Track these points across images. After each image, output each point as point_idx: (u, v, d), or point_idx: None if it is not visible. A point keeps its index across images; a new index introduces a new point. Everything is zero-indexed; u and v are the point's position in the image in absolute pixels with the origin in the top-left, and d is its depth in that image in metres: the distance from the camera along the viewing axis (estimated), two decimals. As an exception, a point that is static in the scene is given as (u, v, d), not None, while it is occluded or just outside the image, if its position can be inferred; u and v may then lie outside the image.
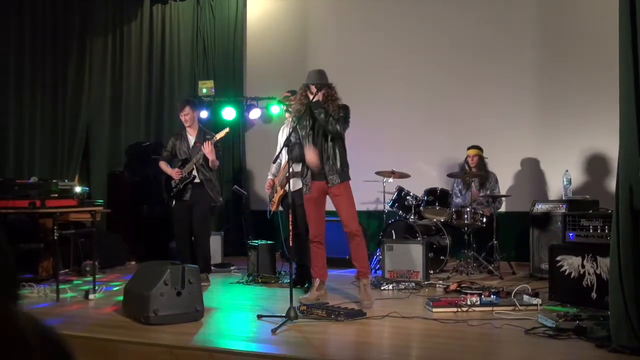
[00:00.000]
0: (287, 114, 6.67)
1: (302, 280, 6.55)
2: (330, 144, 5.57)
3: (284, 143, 5.16)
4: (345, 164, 5.63)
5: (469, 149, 8.18)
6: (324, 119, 5.46)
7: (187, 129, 7.12)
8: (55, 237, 5.98)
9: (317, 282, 5.78)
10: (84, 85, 8.91)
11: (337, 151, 5.57)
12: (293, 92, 6.65)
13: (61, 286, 6.08)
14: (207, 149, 6.77)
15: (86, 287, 6.20)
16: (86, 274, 7.26)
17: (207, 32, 10.42)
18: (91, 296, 5.92)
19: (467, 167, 8.10)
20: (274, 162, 6.48)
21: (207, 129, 7.24)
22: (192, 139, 7.09)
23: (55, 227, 5.99)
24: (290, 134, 5.35)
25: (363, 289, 5.56)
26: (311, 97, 5.51)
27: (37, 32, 8.45)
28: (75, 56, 8.85)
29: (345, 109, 5.61)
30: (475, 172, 7.95)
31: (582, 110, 8.39)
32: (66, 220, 6.97)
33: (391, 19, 9.59)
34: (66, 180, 6.99)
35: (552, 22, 8.79)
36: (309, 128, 5.64)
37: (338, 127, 5.47)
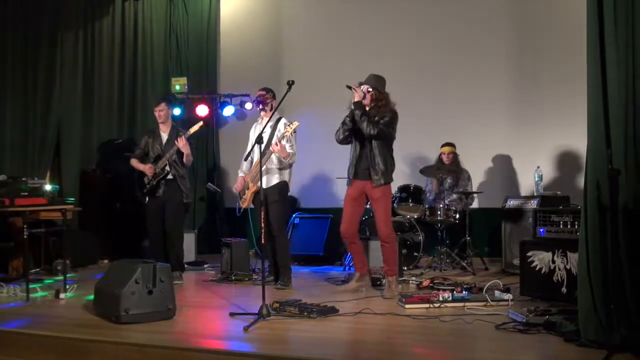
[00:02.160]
0: (262, 112, 6.63)
1: (275, 277, 6.54)
2: (374, 144, 5.79)
3: (255, 140, 5.15)
4: (388, 165, 5.84)
5: (443, 146, 8.22)
6: (358, 119, 5.71)
7: (160, 126, 7.07)
8: (25, 236, 5.90)
9: (356, 274, 6.09)
10: (55, 81, 8.81)
11: (380, 152, 5.78)
12: (268, 90, 6.63)
13: (31, 285, 6.02)
14: (181, 143, 6.73)
15: (57, 286, 6.12)
16: (57, 273, 7.16)
17: (180, 28, 10.33)
18: (62, 295, 5.85)
19: (441, 164, 8.12)
20: (245, 160, 6.47)
21: (179, 126, 7.19)
22: (165, 136, 7.04)
23: (25, 226, 5.91)
24: (261, 132, 5.35)
25: (388, 284, 5.86)
26: (356, 97, 5.77)
27: (6, 26, 8.33)
28: (46, 52, 8.75)
29: (391, 114, 5.82)
30: (448, 167, 7.99)
31: (553, 107, 8.48)
32: (36, 218, 6.86)
33: (363, 15, 9.60)
34: (36, 178, 6.91)
35: (524, 22, 8.85)
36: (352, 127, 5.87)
37: (370, 128, 5.66)
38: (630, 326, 3.67)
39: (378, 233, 5.94)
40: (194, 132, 6.85)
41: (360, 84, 5.88)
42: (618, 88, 3.83)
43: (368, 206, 6.24)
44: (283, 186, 6.51)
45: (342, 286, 6.18)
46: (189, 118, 9.60)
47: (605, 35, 3.88)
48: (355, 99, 5.78)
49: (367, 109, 5.83)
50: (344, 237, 6.03)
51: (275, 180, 6.45)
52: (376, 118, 5.73)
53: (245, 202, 6.60)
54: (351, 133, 5.90)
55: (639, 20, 3.83)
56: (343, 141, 5.98)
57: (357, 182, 5.91)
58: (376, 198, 5.82)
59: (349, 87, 5.81)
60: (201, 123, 6.93)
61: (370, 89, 5.84)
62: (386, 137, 5.83)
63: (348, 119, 5.86)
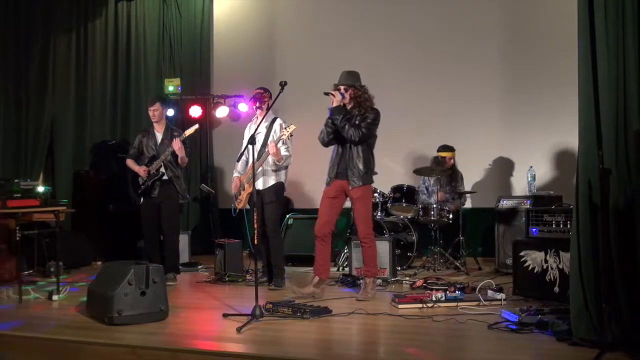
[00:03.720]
0: (258, 111, 6.61)
1: (269, 278, 6.55)
2: (355, 146, 5.66)
3: (248, 141, 5.14)
4: (368, 167, 5.70)
5: (444, 150, 8.20)
6: (339, 125, 5.59)
7: (155, 125, 7.05)
8: (18, 238, 5.88)
9: (315, 279, 5.80)
10: (48, 83, 8.77)
11: (360, 154, 5.65)
12: (265, 90, 6.63)
13: (25, 287, 6.01)
14: (177, 146, 6.72)
15: (50, 288, 6.11)
16: (51, 275, 7.15)
17: (174, 29, 10.32)
18: (55, 297, 5.85)
19: (436, 165, 8.10)
20: (237, 160, 6.44)
21: (174, 126, 7.18)
22: (159, 136, 7.03)
23: (18, 228, 5.90)
24: (254, 133, 5.34)
25: (364, 285, 5.74)
26: (334, 102, 5.64)
27: (-1, 29, 8.32)
28: (39, 54, 8.71)
29: (373, 114, 5.67)
30: (444, 169, 7.99)
31: (546, 107, 8.49)
32: (29, 220, 6.85)
33: (357, 16, 9.61)
34: (29, 180, 6.89)
35: (516, 23, 8.87)
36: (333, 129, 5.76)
37: (350, 134, 5.55)
38: (621, 325, 3.68)
39: (358, 232, 5.83)
40: (190, 135, 6.85)
41: (335, 85, 5.75)
42: (609, 88, 3.85)
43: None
44: (279, 187, 6.51)
45: (295, 288, 5.80)
46: (182, 119, 9.59)
47: (596, 34, 3.90)
48: (334, 104, 5.65)
49: (349, 107, 5.70)
50: (318, 235, 5.80)
51: (272, 181, 6.45)
52: (357, 120, 5.61)
53: (241, 203, 6.58)
54: (335, 135, 5.76)
55: (629, 19, 3.84)
56: (328, 144, 5.86)
57: (337, 181, 5.77)
58: (356, 198, 5.69)
59: (327, 94, 5.71)
60: (197, 126, 6.91)
61: (348, 87, 5.71)
62: (367, 140, 5.70)
63: (330, 121, 5.73)
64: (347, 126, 5.57)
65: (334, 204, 5.83)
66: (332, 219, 5.84)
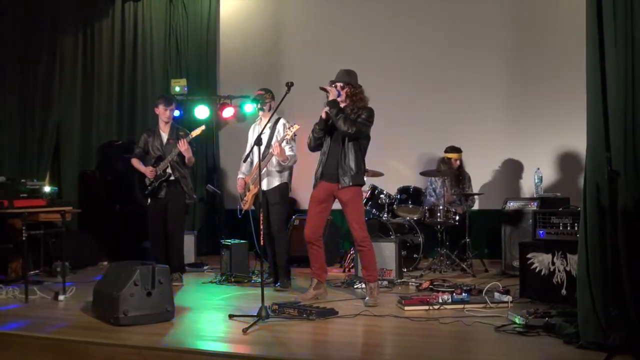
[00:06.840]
0: (260, 112, 6.62)
1: (275, 279, 6.54)
2: (347, 145, 5.52)
3: (254, 142, 5.13)
4: (359, 167, 5.55)
5: (451, 152, 8.18)
6: (334, 118, 5.45)
7: (160, 125, 7.02)
8: (24, 238, 5.88)
9: (314, 281, 5.77)
10: (55, 83, 8.81)
11: (352, 153, 5.51)
12: (267, 91, 6.62)
13: (31, 287, 6.01)
14: (183, 147, 6.70)
15: (56, 288, 6.11)
16: (57, 275, 7.16)
17: (180, 29, 10.32)
18: (61, 297, 5.85)
19: (447, 168, 8.08)
20: (244, 161, 6.43)
21: (179, 126, 7.17)
22: (165, 136, 7.01)
23: (24, 228, 5.90)
24: (260, 133, 5.33)
25: (369, 290, 5.57)
26: (330, 96, 5.51)
27: (6, 29, 8.32)
28: (46, 54, 8.74)
29: (368, 111, 5.53)
30: (450, 170, 7.97)
31: (553, 109, 8.47)
32: (36, 220, 6.86)
33: (362, 17, 9.59)
34: (35, 180, 6.91)
35: (523, 24, 8.85)
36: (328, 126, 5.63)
37: (346, 126, 5.38)
38: (629, 328, 3.66)
39: (353, 236, 5.66)
40: (196, 136, 6.84)
41: (332, 82, 5.62)
42: (617, 90, 3.83)
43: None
44: (284, 188, 6.50)
45: (300, 295, 5.82)
46: (188, 120, 9.58)
47: (605, 35, 3.88)
48: (330, 98, 5.50)
49: (343, 105, 5.56)
50: (308, 240, 5.74)
51: (276, 182, 6.44)
52: (352, 116, 5.47)
53: (247, 204, 6.57)
54: (322, 139, 5.68)
55: (638, 19, 3.83)
56: (315, 149, 5.76)
57: (323, 183, 5.64)
58: (345, 200, 5.54)
59: (323, 89, 5.56)
60: (203, 127, 6.88)
61: (344, 85, 5.58)
62: (361, 137, 5.56)
63: (318, 127, 5.64)
64: (342, 119, 5.41)
65: (322, 209, 5.73)
66: (321, 223, 5.78)
